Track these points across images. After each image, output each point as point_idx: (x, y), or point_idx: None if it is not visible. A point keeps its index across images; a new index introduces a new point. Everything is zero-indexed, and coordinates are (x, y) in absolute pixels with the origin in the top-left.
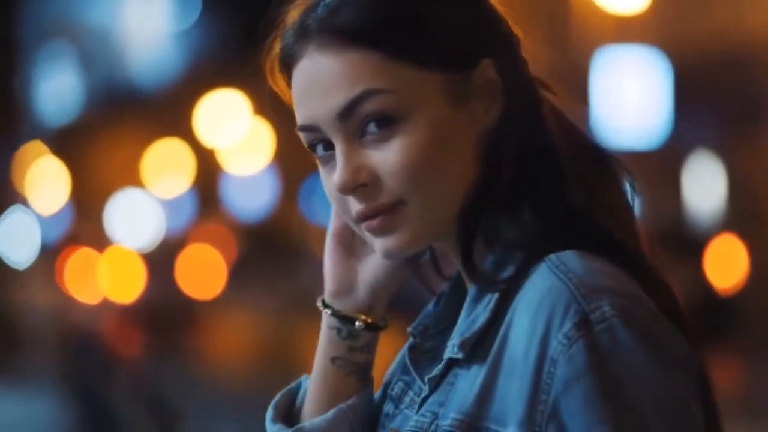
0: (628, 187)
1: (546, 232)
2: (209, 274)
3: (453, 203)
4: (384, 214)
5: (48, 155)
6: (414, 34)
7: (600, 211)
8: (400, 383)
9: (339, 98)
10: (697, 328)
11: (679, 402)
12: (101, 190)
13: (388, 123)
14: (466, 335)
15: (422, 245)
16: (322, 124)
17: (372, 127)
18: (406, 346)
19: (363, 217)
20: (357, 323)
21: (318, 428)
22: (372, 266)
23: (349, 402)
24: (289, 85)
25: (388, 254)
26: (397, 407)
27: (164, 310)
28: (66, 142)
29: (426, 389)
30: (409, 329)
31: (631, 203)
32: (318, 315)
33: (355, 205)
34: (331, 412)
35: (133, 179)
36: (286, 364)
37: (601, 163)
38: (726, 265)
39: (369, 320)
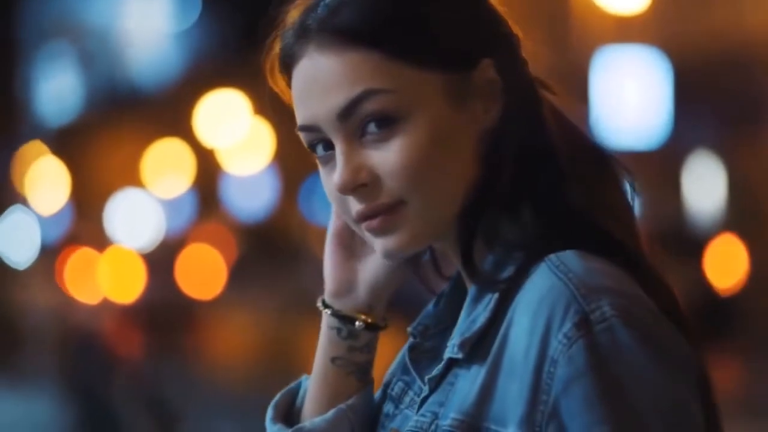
0: (628, 187)
1: (546, 232)
2: (209, 274)
3: (453, 203)
4: (384, 214)
5: (48, 155)
6: (414, 34)
7: (600, 211)
8: (400, 383)
9: (339, 98)
10: (697, 328)
11: (679, 402)
12: (101, 190)
13: (388, 123)
14: (466, 335)
15: (422, 245)
16: (322, 124)
17: (372, 127)
18: (406, 346)
19: (363, 217)
20: (357, 323)
21: (318, 428)
22: (372, 266)
23: (349, 402)
24: (289, 85)
25: (388, 254)
26: (397, 407)
27: (164, 310)
28: (66, 142)
29: (426, 389)
30: (409, 329)
31: (631, 203)
32: (318, 315)
33: (355, 205)
34: (331, 412)
35: (133, 179)
36: (285, 364)
37: (601, 163)
38: (726, 265)
39: (369, 320)
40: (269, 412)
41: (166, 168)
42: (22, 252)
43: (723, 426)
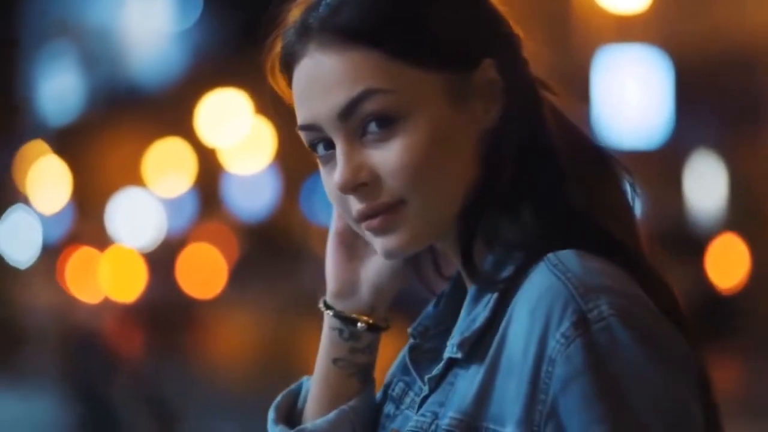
0: (628, 188)
1: (546, 232)
2: (210, 274)
3: (453, 203)
4: (384, 213)
5: (49, 154)
6: (414, 34)
7: (600, 211)
8: (400, 384)
9: (340, 97)
10: (698, 328)
11: (679, 402)
12: (102, 189)
13: (388, 122)
14: (466, 335)
15: (422, 245)
16: (323, 123)
17: (373, 127)
18: (406, 347)
19: (363, 217)
20: (359, 324)
21: (320, 429)
22: (374, 267)
23: (351, 403)
24: (289, 84)
25: (388, 254)
26: (397, 408)
27: (165, 309)
28: (67, 142)
29: (425, 389)
30: (409, 330)
31: (632, 203)
32: (319, 315)
33: (356, 205)
34: (332, 414)
35: (135, 178)
36: (286, 364)
37: (601, 163)
38: (727, 264)
39: (371, 321)
40: (271, 414)
41: (167, 167)
42: (24, 251)
43: (723, 426)
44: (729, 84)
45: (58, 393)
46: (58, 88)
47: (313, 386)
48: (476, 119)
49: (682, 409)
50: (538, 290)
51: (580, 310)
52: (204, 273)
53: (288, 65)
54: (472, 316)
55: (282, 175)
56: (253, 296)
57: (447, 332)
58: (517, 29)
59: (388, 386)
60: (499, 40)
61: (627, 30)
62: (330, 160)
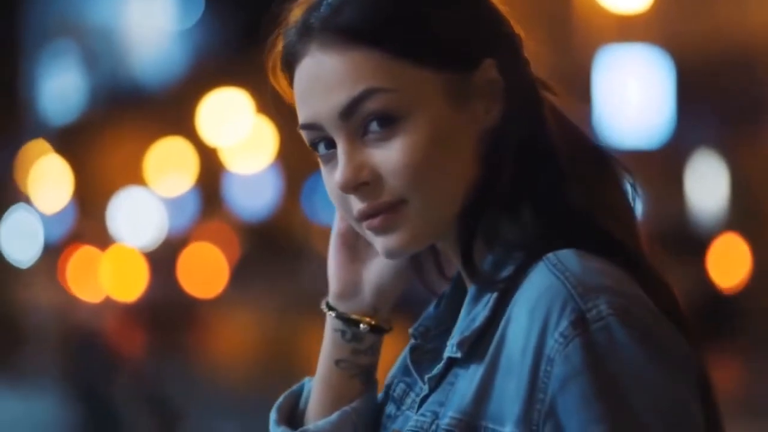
0: (628, 188)
1: (546, 232)
2: (211, 273)
3: (453, 203)
4: (385, 212)
5: (51, 154)
6: (416, 34)
7: (600, 211)
8: (401, 384)
9: (341, 97)
10: (699, 328)
11: (679, 402)
12: (104, 188)
13: (389, 122)
14: (465, 334)
15: (423, 244)
16: (324, 122)
17: (374, 126)
18: (407, 348)
19: (364, 216)
20: (362, 326)
21: (322, 431)
22: (377, 268)
23: (353, 404)
24: (291, 83)
25: (389, 253)
26: (399, 408)
27: (166, 308)
28: (69, 141)
29: (425, 388)
30: (410, 331)
31: (632, 203)
32: (320, 314)
33: (357, 204)
34: (335, 415)
35: (136, 178)
36: (287, 364)
37: (601, 164)
38: (728, 264)
39: (373, 323)
40: (273, 415)
41: (168, 166)
42: (25, 250)
43: (724, 426)
44: (730, 84)
45: (59, 392)
46: (60, 88)
47: (315, 387)
48: (477, 119)
49: (681, 409)
50: (538, 290)
51: (579, 310)
52: (205, 272)
53: (289, 65)
54: (471, 316)
55: (283, 174)
56: (255, 295)
57: (448, 333)
58: (518, 29)
59: (389, 387)
60: (500, 40)
61: (628, 30)
62: (331, 159)
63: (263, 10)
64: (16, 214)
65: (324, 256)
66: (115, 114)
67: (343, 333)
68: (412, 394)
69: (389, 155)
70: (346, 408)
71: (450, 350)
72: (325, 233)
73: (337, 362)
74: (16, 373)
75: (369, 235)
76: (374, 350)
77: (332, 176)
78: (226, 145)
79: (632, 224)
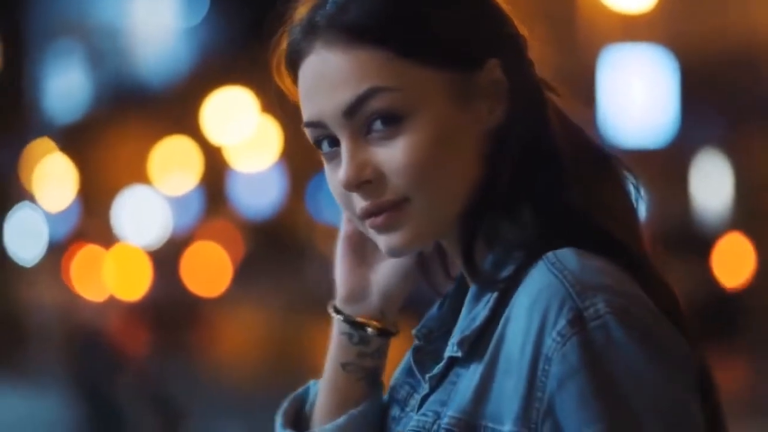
0: (631, 188)
1: (545, 231)
2: (215, 272)
3: (456, 202)
4: (388, 210)
5: (56, 152)
6: (421, 33)
7: (600, 211)
8: (405, 386)
9: (345, 95)
10: (704, 327)
11: (679, 402)
12: (108, 187)
13: (393, 121)
14: (466, 333)
15: (425, 243)
16: (328, 120)
17: (378, 125)
18: (410, 349)
19: (367, 214)
20: (369, 329)
21: None
22: (384, 272)
23: (360, 408)
24: (295, 81)
25: (391, 251)
26: (403, 410)
27: (170, 307)
28: (74, 139)
29: (426, 387)
30: (413, 332)
31: (634, 204)
32: (324, 314)
33: (360, 202)
34: (342, 418)
35: (141, 176)
36: (291, 362)
37: (603, 164)
38: (733, 263)
39: (380, 326)
40: (278, 419)
41: (173, 165)
42: (29, 249)
43: (728, 425)
44: (735, 83)
45: (62, 391)
46: (65, 86)
47: (321, 390)
48: (481, 119)
49: (681, 408)
50: (536, 289)
51: (577, 308)
52: (209, 271)
53: (294, 63)
54: (472, 315)
55: (288, 173)
56: (259, 294)
57: (450, 333)
58: (522, 29)
59: (393, 389)
60: (504, 41)
61: (632, 29)
62: (335, 157)
63: (268, 9)
64: (21, 212)
65: (328, 255)
66: (119, 112)
67: (350, 336)
68: (416, 396)
69: (393, 154)
70: (353, 411)
71: (450, 349)
72: (330, 232)
73: (344, 365)
74: (19, 371)
75: (372, 233)
76: (381, 353)
77: (336, 174)
78: (231, 143)
79: (633, 224)
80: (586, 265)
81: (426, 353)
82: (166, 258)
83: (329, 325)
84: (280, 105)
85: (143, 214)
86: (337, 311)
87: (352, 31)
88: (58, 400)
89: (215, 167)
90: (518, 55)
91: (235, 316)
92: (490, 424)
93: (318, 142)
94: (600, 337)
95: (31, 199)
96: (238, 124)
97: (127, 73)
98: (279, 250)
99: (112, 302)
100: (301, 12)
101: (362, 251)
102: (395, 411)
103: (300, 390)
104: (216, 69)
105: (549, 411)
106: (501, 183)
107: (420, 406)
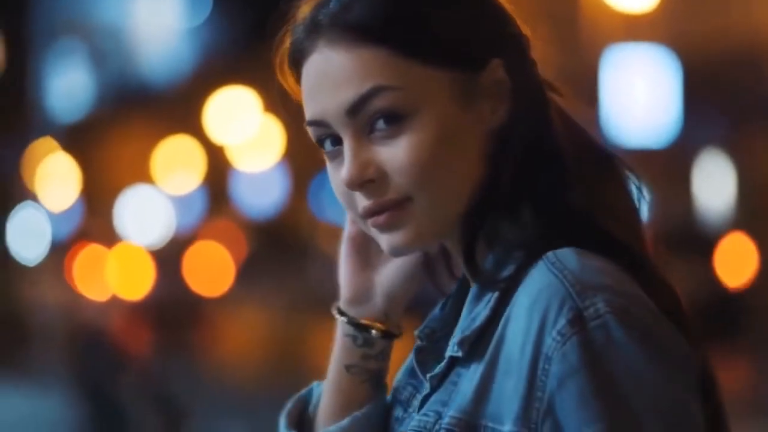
0: (633, 189)
1: (546, 231)
2: (218, 271)
3: (458, 202)
4: (391, 210)
5: (58, 152)
6: (423, 32)
7: (600, 212)
8: (408, 387)
9: (348, 94)
10: (706, 327)
11: (679, 402)
12: (111, 186)
13: (396, 120)
14: (466, 333)
15: (427, 243)
16: (331, 119)
17: (380, 124)
18: (413, 350)
19: (370, 213)
20: (373, 331)
21: None
22: (388, 274)
23: (364, 410)
24: (298, 80)
25: (393, 250)
26: (405, 411)
27: (173, 307)
28: (76, 139)
29: (427, 387)
30: (416, 333)
31: (637, 204)
32: (327, 313)
33: (362, 201)
34: (346, 421)
35: (143, 176)
36: (294, 362)
37: (605, 165)
38: (735, 263)
39: (384, 328)
40: (282, 421)
41: (176, 165)
42: (32, 248)
43: (730, 425)
44: (737, 83)
45: (65, 390)
46: (68, 86)
47: (324, 392)
48: (483, 119)
49: (681, 408)
50: (536, 288)
51: (577, 308)
52: (212, 270)
53: (297, 61)
54: (473, 315)
55: (290, 172)
56: (261, 294)
57: (452, 334)
58: (525, 29)
59: (396, 390)
60: (506, 41)
61: (635, 29)
62: (337, 156)
63: (271, 8)
64: (24, 211)
65: (331, 255)
66: (122, 112)
67: (354, 338)
68: (419, 396)
69: (395, 153)
70: (357, 413)
71: (451, 349)
72: (332, 231)
73: (348, 367)
74: (22, 371)
75: (374, 232)
76: (384, 355)
77: (338, 173)
78: (234, 143)
79: (635, 224)
80: (586, 264)
81: (428, 353)
82: (168, 257)
83: (332, 324)
84: (282, 104)
85: (146, 214)
86: (341, 313)
87: (355, 29)
88: (61, 400)
89: (218, 167)
90: (521, 55)
91: (238, 316)
92: (491, 424)
93: (321, 141)
94: (600, 336)
95: (34, 198)
96: (241, 123)
97: (130, 73)
98: (282, 249)
99: (114, 302)
100: (304, 11)
101: (366, 253)
102: (398, 412)
103: (303, 391)
104: (219, 69)
105: (549, 410)
106: (503, 183)
107: (421, 406)
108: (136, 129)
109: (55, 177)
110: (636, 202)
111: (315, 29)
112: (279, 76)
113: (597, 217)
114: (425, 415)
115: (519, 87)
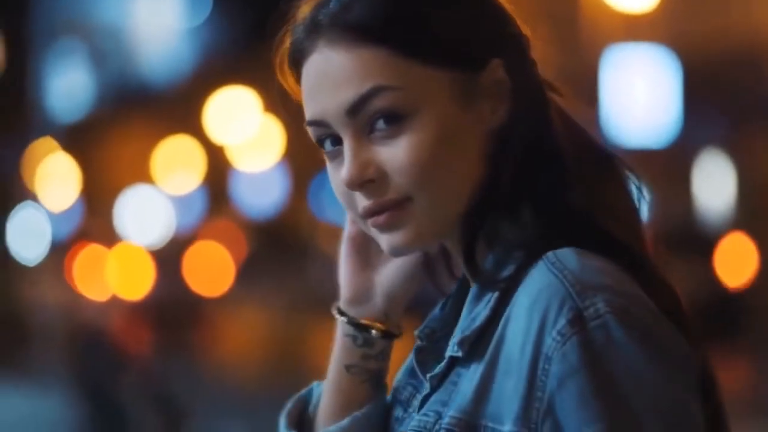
0: (633, 188)
1: (546, 231)
2: (218, 271)
3: (458, 202)
4: (391, 210)
5: (58, 151)
6: (423, 33)
7: (600, 212)
8: (408, 387)
9: (348, 94)
10: (706, 327)
11: (679, 402)
12: (111, 186)
13: (396, 120)
14: (466, 333)
15: (427, 243)
16: (331, 119)
17: (380, 124)
18: (413, 350)
19: (370, 213)
20: (373, 331)
21: None
22: (388, 274)
23: (364, 410)
24: (298, 80)
25: (393, 250)
26: (406, 411)
27: (173, 307)
28: (77, 139)
29: (427, 387)
30: (416, 333)
31: (637, 204)
32: (327, 312)
33: (362, 201)
34: (346, 420)
35: (143, 176)
36: (294, 362)
37: (605, 165)
38: (735, 263)
39: (384, 328)
40: (282, 421)
41: (176, 165)
42: (32, 248)
43: (730, 425)
44: (737, 83)
45: (65, 391)
46: (67, 86)
47: (324, 392)
48: (483, 119)
49: (681, 409)
50: (536, 288)
51: (577, 308)
52: (212, 270)
53: (297, 61)
54: (473, 315)
55: (290, 172)
56: (261, 294)
57: (452, 333)
58: (525, 29)
59: (396, 390)
60: (506, 41)
61: (635, 29)
62: (337, 156)
63: (271, 8)
64: (23, 211)
65: (331, 255)
66: (122, 112)
67: (354, 338)
68: (419, 396)
69: (395, 153)
70: (357, 413)
71: (451, 349)
72: (332, 231)
73: (348, 367)
74: (22, 371)
75: (374, 232)
76: (384, 355)
77: (338, 173)
78: (234, 143)
79: (635, 224)
80: (586, 264)
81: (428, 353)
82: (168, 257)
83: (332, 324)
84: (282, 104)
85: (146, 214)
86: (341, 313)
87: (355, 29)
88: (61, 400)
89: (218, 167)
90: (521, 55)
91: (238, 316)
92: (491, 424)
93: (321, 141)
94: (600, 336)
95: (34, 198)
96: (241, 123)
97: (130, 73)
98: (282, 249)
99: (114, 302)
100: (304, 11)
101: (366, 253)
102: (398, 412)
103: (303, 391)
104: (219, 69)
105: (549, 410)
106: (503, 183)
107: (421, 406)
108: (136, 129)
109: (55, 177)
110: (636, 202)
111: (315, 29)
112: (279, 76)
113: (597, 217)
114: (425, 415)
115: (519, 87)
